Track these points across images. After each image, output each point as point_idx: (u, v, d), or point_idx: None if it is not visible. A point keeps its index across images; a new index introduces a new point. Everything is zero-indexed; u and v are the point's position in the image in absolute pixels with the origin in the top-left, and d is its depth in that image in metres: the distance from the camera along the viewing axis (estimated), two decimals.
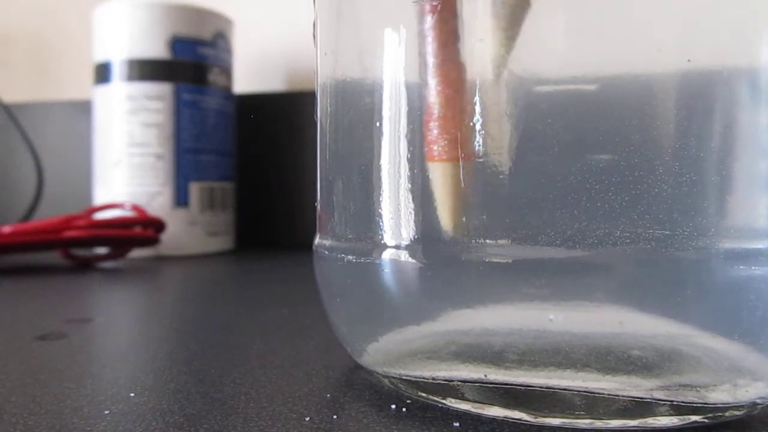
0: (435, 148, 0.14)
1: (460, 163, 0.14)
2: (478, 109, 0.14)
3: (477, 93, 0.14)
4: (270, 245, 0.58)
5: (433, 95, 0.14)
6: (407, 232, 0.15)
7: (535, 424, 0.14)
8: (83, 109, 0.61)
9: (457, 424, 0.14)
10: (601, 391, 0.14)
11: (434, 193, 0.14)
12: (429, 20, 0.14)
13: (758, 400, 0.14)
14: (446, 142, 0.14)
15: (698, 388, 0.13)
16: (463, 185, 0.14)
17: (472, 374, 0.15)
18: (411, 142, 0.15)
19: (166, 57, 0.50)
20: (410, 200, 0.15)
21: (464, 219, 0.14)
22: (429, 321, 0.15)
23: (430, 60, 0.14)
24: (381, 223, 0.16)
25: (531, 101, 0.14)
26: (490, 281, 0.14)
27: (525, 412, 0.14)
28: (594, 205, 0.13)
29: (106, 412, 0.15)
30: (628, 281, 0.13)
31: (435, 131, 0.14)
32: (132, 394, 0.16)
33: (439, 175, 0.14)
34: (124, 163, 0.50)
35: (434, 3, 0.14)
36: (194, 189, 0.51)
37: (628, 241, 0.13)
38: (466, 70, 0.14)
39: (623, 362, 0.13)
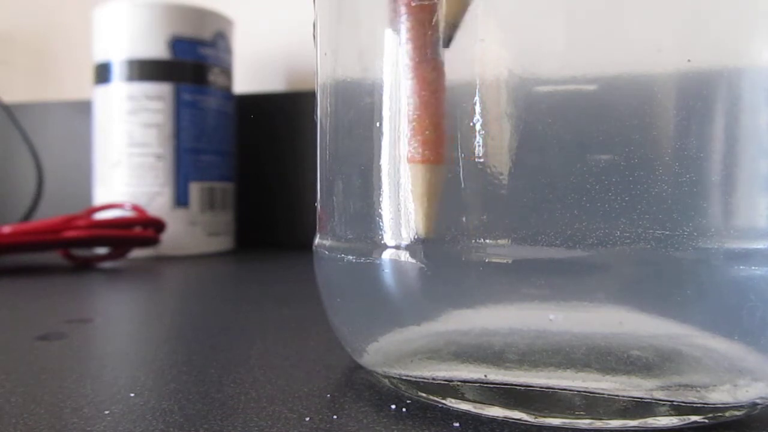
0: (410, 149, 0.14)
1: (433, 165, 0.14)
2: (478, 109, 0.14)
3: (477, 93, 0.14)
4: (270, 245, 0.58)
5: (410, 96, 0.14)
6: (407, 232, 0.15)
7: (535, 424, 0.14)
8: (83, 109, 0.61)
9: (457, 425, 0.14)
10: (601, 391, 0.14)
11: (410, 195, 0.15)
12: (405, 21, 0.14)
13: (758, 400, 0.14)
14: (419, 144, 0.14)
15: (698, 389, 0.13)
16: (439, 187, 0.14)
17: (472, 374, 0.15)
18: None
19: (166, 57, 0.50)
20: (410, 200, 0.15)
21: (464, 219, 0.14)
22: (429, 321, 0.15)
23: (407, 61, 0.14)
24: (381, 223, 0.16)
25: (531, 101, 0.14)
26: (490, 281, 0.14)
27: (525, 412, 0.14)
28: (594, 205, 0.13)
29: (106, 412, 0.15)
30: (628, 281, 0.13)
31: (410, 133, 0.14)
32: (132, 394, 0.16)
33: (411, 178, 0.14)
34: (124, 163, 0.50)
35: (412, 3, 0.14)
36: (194, 189, 0.51)
37: (628, 241, 0.13)
38: (443, 71, 0.14)
39: (623, 362, 0.13)
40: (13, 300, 0.32)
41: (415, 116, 0.14)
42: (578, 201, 0.13)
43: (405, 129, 0.15)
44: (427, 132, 0.14)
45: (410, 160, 0.14)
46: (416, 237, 0.15)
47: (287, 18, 0.60)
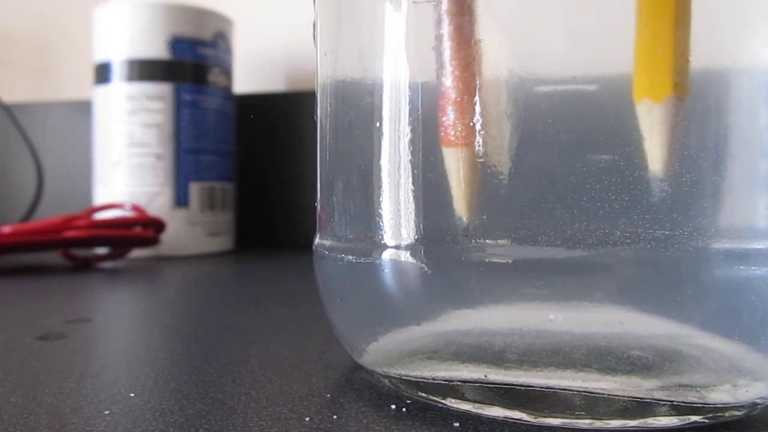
0: (452, 132, 0.14)
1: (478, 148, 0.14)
2: (478, 108, 0.14)
3: (477, 93, 0.14)
4: (270, 245, 0.58)
5: (450, 80, 0.14)
6: (407, 232, 0.15)
7: (535, 424, 0.14)
8: (83, 109, 0.61)
9: (457, 425, 0.14)
10: (601, 391, 0.14)
11: (450, 179, 0.14)
12: (445, 2, 0.14)
13: (758, 400, 0.14)
14: (464, 126, 0.14)
15: (698, 389, 0.13)
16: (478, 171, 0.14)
17: (473, 374, 0.15)
18: (411, 142, 0.15)
19: (166, 57, 0.50)
20: (410, 200, 0.15)
21: (464, 219, 0.14)
22: (429, 321, 0.15)
23: (448, 44, 0.14)
24: (381, 223, 0.16)
25: (531, 101, 0.14)
26: (490, 281, 0.14)
27: (525, 412, 0.14)
28: (594, 205, 0.13)
29: (106, 412, 0.15)
30: (628, 281, 0.13)
31: (452, 116, 0.14)
32: (132, 394, 0.16)
33: (454, 161, 0.14)
34: (124, 163, 0.50)
35: None
36: (194, 189, 0.51)
37: (628, 241, 0.13)
38: (482, 54, 0.14)
39: (623, 362, 0.13)
40: (13, 300, 0.32)
41: (458, 100, 0.14)
42: (578, 201, 0.13)
43: (441, 113, 0.14)
44: (469, 115, 0.14)
45: (450, 144, 0.14)
46: (416, 237, 0.15)
47: (287, 18, 0.60)
